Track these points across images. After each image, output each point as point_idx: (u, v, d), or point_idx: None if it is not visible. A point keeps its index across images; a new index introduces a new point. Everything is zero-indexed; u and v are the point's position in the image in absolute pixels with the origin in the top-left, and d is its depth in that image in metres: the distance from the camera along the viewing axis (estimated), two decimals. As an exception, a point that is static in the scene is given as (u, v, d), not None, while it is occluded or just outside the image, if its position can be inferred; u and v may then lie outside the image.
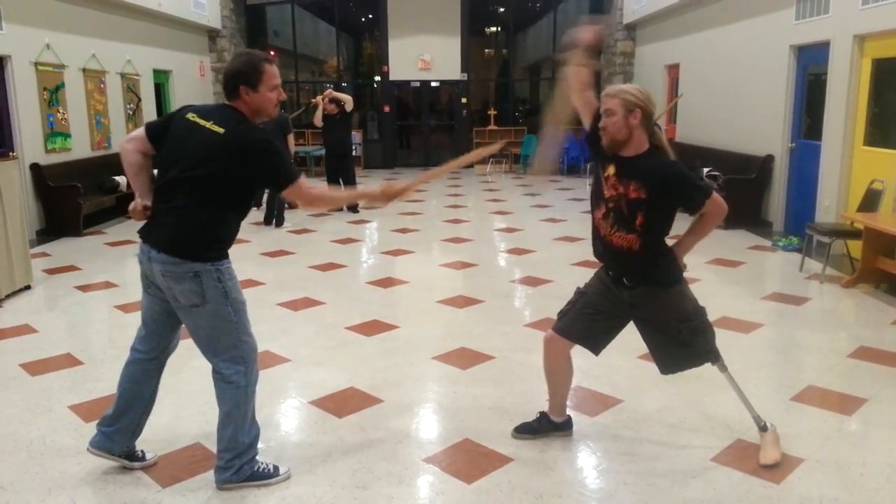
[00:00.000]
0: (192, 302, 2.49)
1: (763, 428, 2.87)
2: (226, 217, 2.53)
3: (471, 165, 14.24)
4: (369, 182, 12.41)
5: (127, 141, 2.63)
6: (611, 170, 2.67)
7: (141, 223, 2.61)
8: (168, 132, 2.55)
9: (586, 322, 2.84)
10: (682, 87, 10.42)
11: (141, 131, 2.62)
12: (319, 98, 8.95)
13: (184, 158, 2.46)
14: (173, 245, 2.46)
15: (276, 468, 2.75)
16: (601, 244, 2.77)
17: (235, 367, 2.58)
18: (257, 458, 2.72)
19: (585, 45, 2.75)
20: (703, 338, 2.75)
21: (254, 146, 2.43)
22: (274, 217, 8.34)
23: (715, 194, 2.63)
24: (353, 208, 9.16)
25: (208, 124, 2.46)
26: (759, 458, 2.80)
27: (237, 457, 2.64)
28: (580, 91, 2.80)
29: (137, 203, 2.63)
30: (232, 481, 2.66)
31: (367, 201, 2.69)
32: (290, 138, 8.29)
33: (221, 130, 2.44)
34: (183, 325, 2.66)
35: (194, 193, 2.45)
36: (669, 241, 2.77)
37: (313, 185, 2.63)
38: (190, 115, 2.53)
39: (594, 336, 2.87)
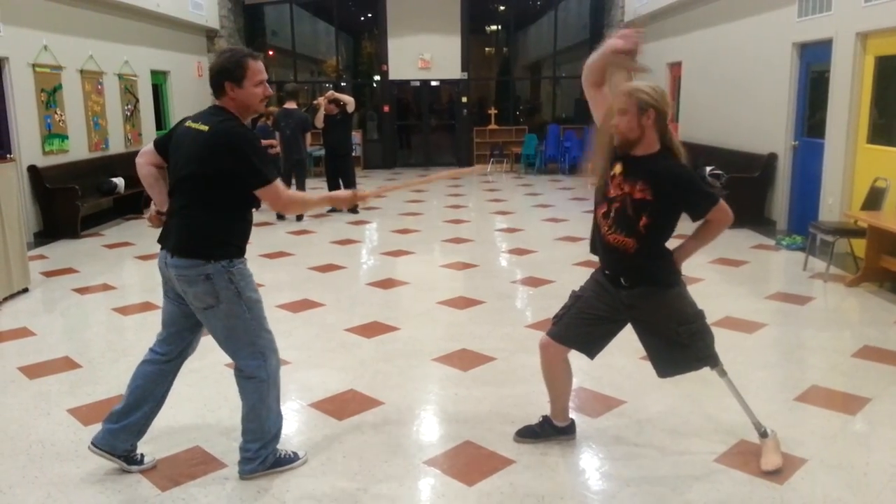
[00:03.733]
0: (207, 303, 2.57)
1: (763, 434, 2.82)
2: (225, 216, 2.57)
3: (470, 164, 14.21)
4: (369, 183, 12.39)
5: (140, 156, 2.78)
6: (617, 168, 2.63)
7: (144, 228, 2.69)
8: (171, 141, 2.67)
9: (581, 326, 2.80)
10: (684, 85, 10.40)
11: (150, 145, 2.77)
12: (321, 99, 8.94)
13: (180, 162, 2.57)
14: (182, 247, 2.56)
15: (294, 454, 2.84)
16: (599, 242, 2.75)
17: (255, 362, 2.65)
18: (277, 446, 2.80)
19: (621, 51, 2.65)
20: (702, 341, 2.72)
21: (234, 142, 2.49)
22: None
23: (722, 202, 2.58)
24: (353, 209, 9.15)
25: (197, 126, 2.55)
26: (760, 464, 2.76)
27: (263, 447, 2.72)
28: (600, 86, 2.73)
29: (152, 210, 2.80)
30: (258, 471, 2.73)
31: (336, 206, 2.78)
32: (308, 136, 8.51)
33: (206, 128, 2.51)
34: (203, 329, 2.74)
35: (191, 194, 2.54)
36: (673, 242, 2.74)
37: (286, 189, 2.65)
38: (187, 123, 2.63)
39: (590, 341, 2.83)
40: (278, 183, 2.56)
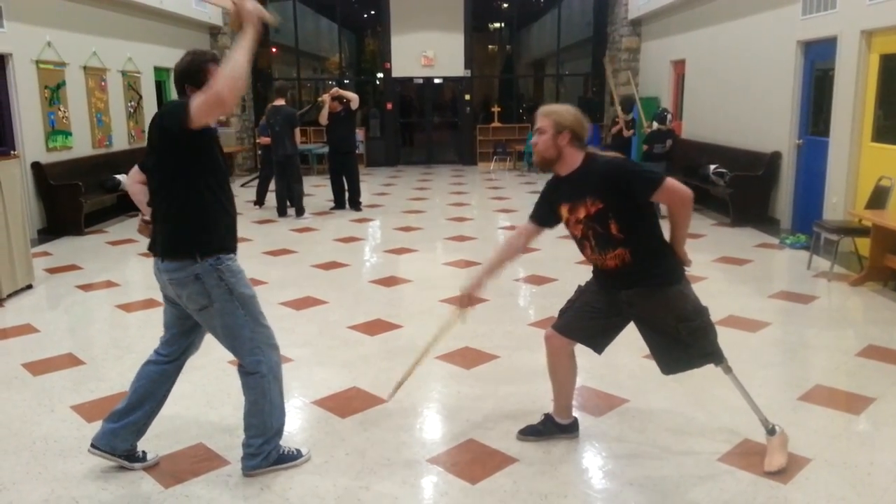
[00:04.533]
0: (200, 304, 2.58)
1: (771, 431, 2.81)
2: (199, 203, 2.53)
3: (473, 162, 14.20)
4: (372, 180, 12.39)
5: (128, 178, 2.97)
6: (564, 212, 2.75)
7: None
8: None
9: (586, 320, 2.82)
10: (688, 83, 10.37)
11: (136, 167, 2.92)
12: (326, 96, 8.94)
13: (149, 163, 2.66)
14: (167, 248, 2.57)
15: (297, 451, 2.85)
16: (599, 272, 2.81)
17: (255, 358, 2.66)
18: (280, 442, 2.81)
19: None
20: (704, 339, 2.71)
21: (163, 110, 2.56)
22: (287, 208, 8.65)
23: (668, 181, 2.58)
24: (356, 206, 9.15)
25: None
26: (763, 465, 2.75)
27: (266, 442, 2.73)
28: (515, 256, 2.97)
29: (139, 221, 2.88)
30: (262, 467, 2.74)
31: (252, 44, 2.43)
32: (297, 132, 8.49)
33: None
34: (204, 330, 2.77)
35: (162, 185, 2.56)
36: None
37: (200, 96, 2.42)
38: None
39: (594, 334, 2.85)
40: (193, 101, 2.37)
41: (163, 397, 2.81)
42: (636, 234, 2.64)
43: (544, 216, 2.86)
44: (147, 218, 2.76)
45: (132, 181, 2.89)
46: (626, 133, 8.92)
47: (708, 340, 2.73)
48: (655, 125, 8.37)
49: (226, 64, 2.36)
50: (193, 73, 2.54)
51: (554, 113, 2.67)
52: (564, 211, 2.75)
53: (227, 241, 2.63)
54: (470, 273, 5.92)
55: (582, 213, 2.67)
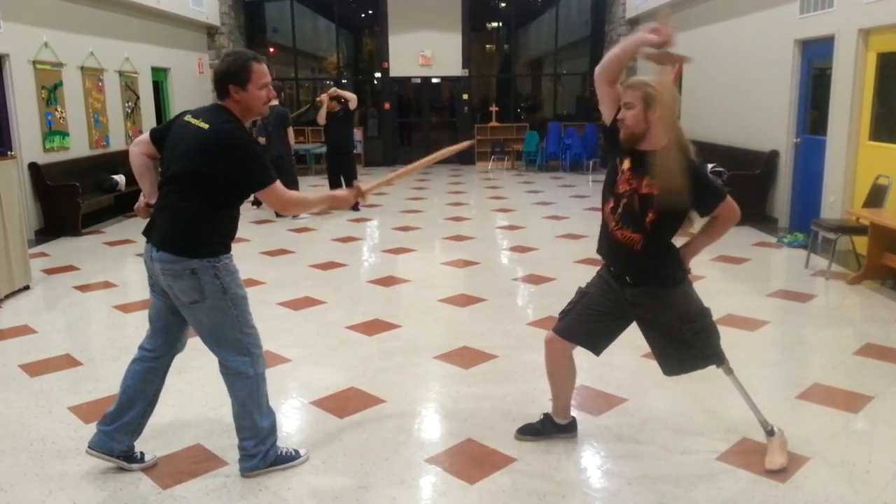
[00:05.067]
0: (192, 298, 2.56)
1: (770, 432, 2.81)
2: (215, 213, 2.56)
3: (471, 161, 14.20)
4: (370, 180, 12.37)
5: (134, 144, 2.77)
6: (626, 164, 2.61)
7: (142, 222, 2.72)
8: (168, 135, 2.65)
9: (587, 323, 2.79)
10: (685, 82, 10.36)
11: (146, 135, 2.74)
12: (324, 96, 8.93)
13: (175, 156, 2.56)
14: (168, 242, 2.54)
15: (296, 451, 2.85)
16: (606, 239, 2.72)
17: (241, 358, 2.64)
18: (277, 443, 2.80)
19: (653, 45, 2.48)
20: (707, 340, 2.71)
21: (233, 144, 2.50)
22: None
23: (729, 198, 2.56)
24: (355, 206, 9.14)
25: (197, 122, 2.55)
26: (764, 464, 2.75)
27: (260, 442, 2.72)
28: (614, 83, 2.64)
29: (141, 201, 2.78)
30: (259, 468, 2.73)
31: (337, 205, 2.76)
32: (290, 132, 8.45)
33: (206, 126, 2.51)
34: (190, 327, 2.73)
35: (183, 190, 2.53)
36: (681, 240, 2.72)
37: (286, 189, 2.64)
38: (186, 117, 2.62)
39: (595, 337, 2.83)
40: (278, 184, 2.56)
41: (154, 396, 2.78)
42: (660, 231, 2.59)
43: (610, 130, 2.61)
44: (151, 202, 2.71)
45: (139, 151, 2.72)
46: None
47: (711, 342, 2.72)
48: None
49: (308, 197, 2.76)
50: (236, 72, 2.53)
51: (644, 85, 2.48)
52: (626, 164, 2.58)
53: (227, 242, 2.63)
54: (468, 272, 5.92)
55: (633, 185, 2.55)
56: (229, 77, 2.54)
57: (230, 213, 2.63)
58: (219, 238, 2.59)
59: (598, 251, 2.81)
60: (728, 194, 2.58)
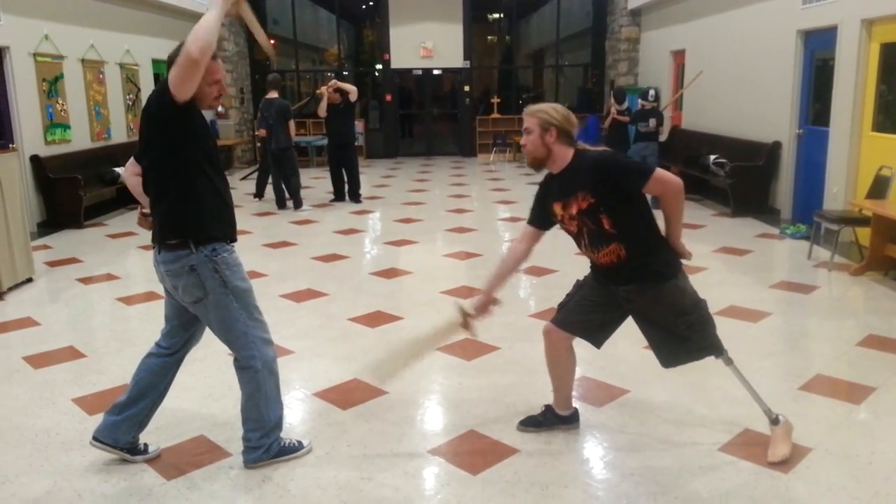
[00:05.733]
0: (195, 296, 2.57)
1: (774, 421, 2.81)
2: (192, 192, 2.51)
3: (473, 153, 14.17)
4: (371, 171, 12.36)
5: (125, 170, 2.91)
6: (557, 210, 2.73)
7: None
8: None
9: (584, 314, 2.82)
10: (688, 73, 10.33)
11: (132, 158, 2.85)
12: (324, 88, 8.91)
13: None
14: (162, 237, 2.56)
15: (299, 443, 2.86)
16: (595, 268, 2.81)
17: (248, 352, 2.66)
18: (281, 434, 2.81)
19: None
20: (702, 332, 2.71)
21: (149, 97, 2.53)
22: (286, 200, 8.63)
23: (658, 172, 2.58)
24: (356, 198, 9.14)
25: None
26: (767, 455, 2.75)
27: (265, 435, 2.73)
28: (520, 265, 2.93)
29: (139, 213, 2.86)
30: (262, 459, 2.74)
31: (221, 12, 2.45)
32: (291, 124, 8.44)
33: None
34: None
35: (154, 175, 2.55)
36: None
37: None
38: None
39: (593, 328, 2.85)
40: (173, 74, 2.38)
41: (164, 390, 2.81)
42: (629, 228, 2.63)
43: (541, 218, 2.84)
44: (146, 210, 2.75)
45: (129, 174, 2.87)
46: (619, 118, 8.95)
47: (706, 333, 2.73)
48: (640, 103, 8.41)
49: (196, 26, 2.36)
50: None
51: (539, 111, 2.68)
52: (558, 209, 2.74)
53: (222, 228, 2.60)
54: (470, 264, 5.92)
55: (574, 209, 2.67)
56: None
57: (213, 192, 2.56)
58: (211, 224, 2.55)
59: (591, 269, 2.88)
60: (654, 169, 2.60)
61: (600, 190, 2.59)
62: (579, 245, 2.79)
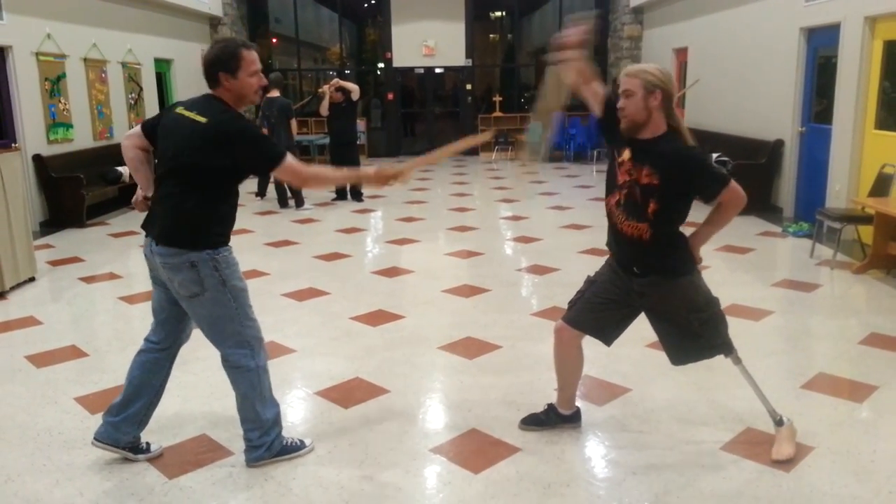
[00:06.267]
0: (192, 292, 2.55)
1: (779, 422, 2.80)
2: (214, 205, 2.55)
3: (475, 152, 14.18)
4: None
5: (126, 138, 2.74)
6: (626, 154, 2.59)
7: (143, 215, 2.71)
8: (160, 126, 2.64)
9: (596, 312, 2.79)
10: (690, 71, 10.32)
11: (137, 128, 2.73)
12: (326, 87, 8.92)
13: (171, 149, 2.54)
14: (167, 235, 2.54)
15: (301, 441, 2.86)
16: (612, 232, 2.72)
17: (241, 351, 2.64)
18: (282, 433, 2.81)
19: (573, 46, 2.60)
20: (715, 329, 2.69)
21: (237, 134, 2.48)
22: (288, 199, 8.64)
23: (733, 182, 2.54)
24: (358, 197, 9.14)
25: (192, 114, 2.52)
26: (771, 454, 2.74)
27: (265, 434, 2.72)
28: (587, 83, 2.68)
29: (138, 195, 2.78)
30: (264, 458, 2.74)
31: (361, 183, 2.65)
32: (293, 123, 8.45)
33: (204, 120, 2.49)
34: None
35: (182, 182, 2.52)
36: (687, 230, 2.71)
37: (303, 163, 2.63)
38: (178, 109, 2.60)
39: (604, 326, 2.82)
40: (290, 158, 2.53)
41: (160, 387, 2.79)
42: (666, 220, 2.57)
43: (612, 115, 2.60)
44: (148, 195, 2.70)
45: (131, 144, 2.70)
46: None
47: (719, 331, 2.71)
48: None
49: (328, 170, 2.72)
50: (227, 59, 2.51)
51: (643, 72, 2.48)
52: (625, 155, 2.57)
53: (226, 232, 2.62)
54: (472, 263, 5.92)
55: (633, 175, 2.54)
56: (219, 65, 2.52)
57: (231, 202, 2.63)
58: (219, 229, 2.58)
59: (607, 245, 2.81)
60: (731, 179, 2.56)
61: (671, 178, 2.48)
62: (610, 196, 2.65)
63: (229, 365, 2.68)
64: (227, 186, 2.57)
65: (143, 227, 2.64)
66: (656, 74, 2.48)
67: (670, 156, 2.50)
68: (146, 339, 2.78)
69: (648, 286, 2.67)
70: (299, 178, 2.60)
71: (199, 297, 2.56)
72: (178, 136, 2.52)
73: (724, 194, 2.54)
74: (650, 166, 2.51)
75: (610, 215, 2.70)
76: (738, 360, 2.79)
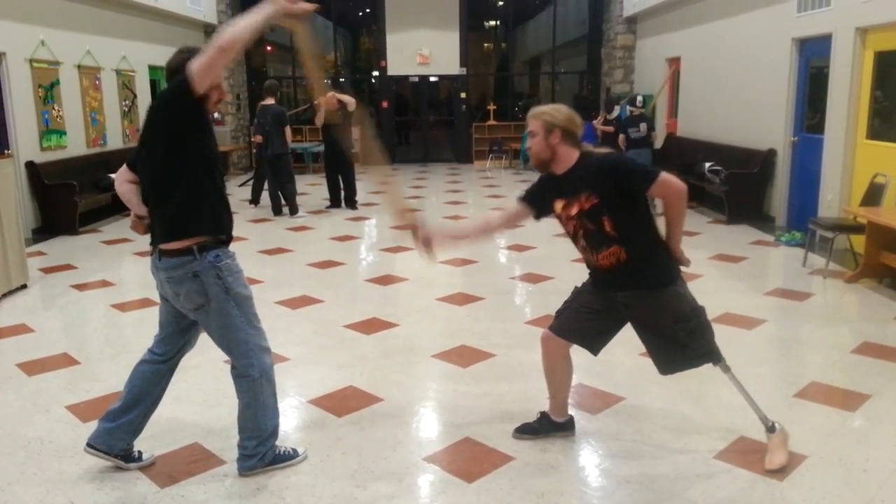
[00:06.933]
0: (197, 304, 2.56)
1: (771, 429, 2.81)
2: (195, 192, 2.51)
3: (469, 160, 14.19)
4: (367, 180, 12.35)
5: (116, 177, 2.84)
6: (559, 206, 2.75)
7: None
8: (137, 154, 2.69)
9: (582, 321, 2.82)
10: (683, 80, 10.38)
11: (124, 166, 2.82)
12: (322, 99, 8.92)
13: (141, 154, 2.61)
14: (165, 232, 2.54)
15: (294, 450, 2.85)
16: (594, 271, 2.81)
17: (247, 360, 2.65)
18: (276, 443, 2.80)
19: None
20: (701, 339, 2.71)
21: (160, 92, 2.54)
22: (282, 207, 8.63)
23: (664, 175, 2.58)
24: (352, 205, 9.14)
25: None
26: (764, 463, 2.74)
27: (261, 444, 2.72)
28: (485, 234, 3.12)
29: (132, 218, 2.81)
30: (257, 467, 2.73)
31: (263, 17, 2.41)
32: (287, 130, 8.43)
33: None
34: (200, 327, 2.75)
35: (157, 170, 2.52)
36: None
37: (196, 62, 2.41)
38: None
39: (590, 335, 2.84)
40: (191, 68, 2.37)
41: (158, 397, 2.80)
42: (630, 232, 2.64)
43: (535, 201, 2.85)
44: (140, 213, 2.72)
45: (121, 181, 2.81)
46: (603, 129, 8.98)
47: (705, 340, 2.72)
48: (628, 109, 8.46)
49: (230, 28, 2.37)
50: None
51: (543, 113, 2.69)
52: (559, 206, 2.75)
53: (225, 231, 2.60)
54: (466, 271, 5.92)
55: (575, 209, 2.67)
56: (179, 73, 2.46)
57: (211, 184, 2.55)
58: (210, 218, 2.54)
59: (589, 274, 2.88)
60: (660, 172, 2.59)
61: (604, 191, 2.60)
62: (576, 245, 2.79)
63: (236, 373, 2.68)
64: (193, 152, 2.48)
65: (152, 244, 2.65)
66: (554, 115, 2.67)
67: (593, 170, 2.64)
68: (150, 351, 2.78)
69: (633, 298, 2.70)
70: (211, 57, 2.34)
71: (205, 307, 2.56)
72: (142, 135, 2.59)
73: (654, 188, 2.57)
74: (583, 190, 2.63)
75: (587, 262, 2.81)
76: (727, 369, 2.80)
